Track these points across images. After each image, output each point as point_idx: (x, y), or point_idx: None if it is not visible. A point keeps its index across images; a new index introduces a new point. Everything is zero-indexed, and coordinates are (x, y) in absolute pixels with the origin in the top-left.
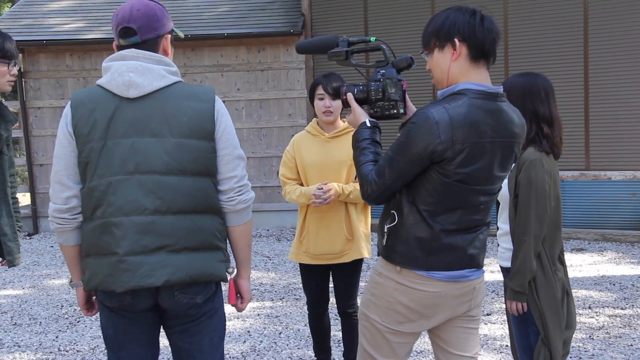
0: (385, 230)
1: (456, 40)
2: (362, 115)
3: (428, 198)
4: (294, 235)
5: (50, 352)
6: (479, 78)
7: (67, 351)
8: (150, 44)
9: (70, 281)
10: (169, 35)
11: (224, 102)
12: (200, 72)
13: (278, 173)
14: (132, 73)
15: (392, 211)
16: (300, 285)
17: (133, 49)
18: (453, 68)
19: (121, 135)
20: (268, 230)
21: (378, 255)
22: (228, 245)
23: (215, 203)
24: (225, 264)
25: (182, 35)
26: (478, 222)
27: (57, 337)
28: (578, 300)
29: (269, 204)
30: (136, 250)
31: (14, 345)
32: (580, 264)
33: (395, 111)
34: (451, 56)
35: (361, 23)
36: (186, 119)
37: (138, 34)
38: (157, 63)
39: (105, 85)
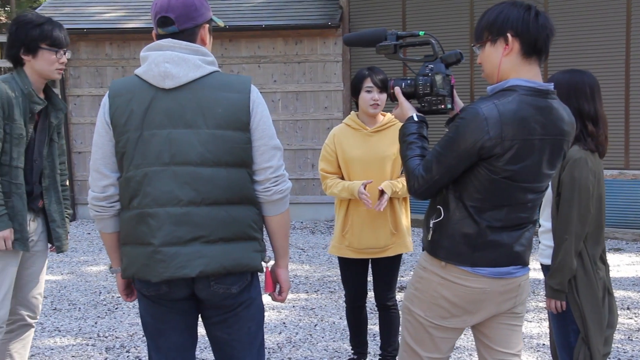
0: (431, 225)
1: (509, 35)
2: (409, 110)
3: (475, 194)
4: (329, 228)
5: (90, 338)
6: (529, 74)
7: (106, 337)
8: (188, 34)
9: (110, 267)
10: (207, 25)
11: (260, 93)
12: (238, 63)
13: (313, 166)
14: (168, 64)
15: (438, 206)
16: (335, 278)
17: (170, 39)
18: (504, 63)
19: (157, 126)
20: (302, 222)
21: (423, 250)
22: (265, 234)
23: (251, 193)
24: (261, 254)
25: (222, 24)
26: (525, 220)
27: (95, 323)
28: (616, 301)
29: (303, 197)
30: (171, 241)
31: (55, 330)
32: (618, 264)
33: (442, 106)
34: (503, 51)
35: (399, 17)
36: (221, 110)
37: (176, 24)
38: (193, 53)
39: (142, 76)
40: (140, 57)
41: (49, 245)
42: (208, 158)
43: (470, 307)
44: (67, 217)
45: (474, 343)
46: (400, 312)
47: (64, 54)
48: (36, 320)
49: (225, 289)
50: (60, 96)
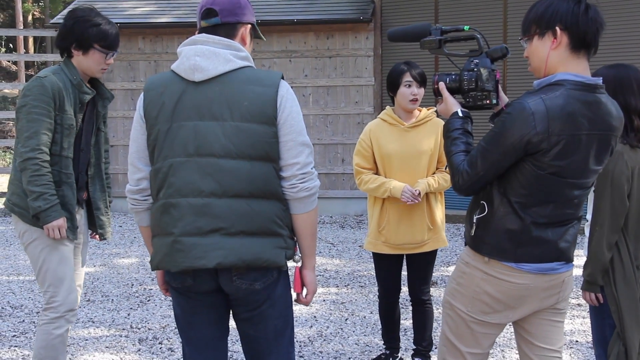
0: (475, 220)
1: (557, 28)
2: (454, 105)
3: (520, 190)
4: (358, 222)
5: (123, 329)
6: (578, 69)
7: (138, 329)
8: (229, 28)
9: (150, 262)
10: (249, 26)
11: (291, 87)
12: (269, 57)
13: (343, 160)
14: (198, 57)
15: (481, 202)
16: (365, 272)
17: (204, 34)
18: (552, 57)
19: (185, 118)
20: (331, 217)
21: (465, 245)
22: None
23: (276, 189)
24: (286, 251)
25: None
26: (570, 216)
27: (128, 315)
28: None
29: (333, 191)
30: (191, 231)
31: (89, 321)
32: None
33: (487, 101)
34: (551, 44)
35: (431, 11)
36: (247, 102)
37: (219, 15)
38: (225, 48)
39: (175, 70)
40: (177, 52)
41: (91, 232)
42: (231, 150)
43: (513, 302)
44: (109, 205)
45: (505, 339)
46: (434, 307)
47: (112, 55)
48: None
49: (248, 284)
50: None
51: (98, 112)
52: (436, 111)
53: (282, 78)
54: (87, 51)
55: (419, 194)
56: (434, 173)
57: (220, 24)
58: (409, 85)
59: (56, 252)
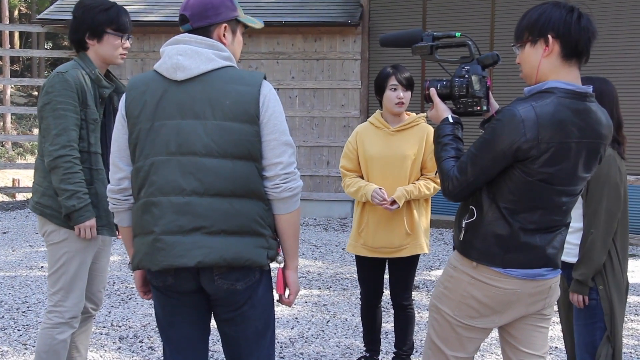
0: (463, 225)
1: (550, 36)
2: (444, 111)
3: (509, 196)
4: (342, 225)
5: (104, 327)
6: (568, 77)
7: (119, 327)
8: (202, 32)
9: (129, 263)
10: (226, 24)
11: (277, 89)
12: (257, 58)
13: (328, 163)
14: (181, 56)
15: (471, 207)
16: (347, 275)
17: (187, 34)
18: (543, 64)
19: (167, 117)
20: (315, 219)
21: (453, 249)
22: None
23: (258, 188)
24: (269, 251)
25: (256, 25)
26: (558, 223)
27: (109, 313)
28: (630, 307)
29: (317, 194)
30: (172, 230)
31: None
32: (632, 270)
33: (478, 108)
34: (543, 52)
35: (419, 17)
36: (229, 101)
37: (190, 22)
38: (208, 47)
39: (157, 69)
40: (160, 52)
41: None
42: (213, 149)
43: (500, 307)
44: None
45: (485, 344)
46: (415, 311)
47: (128, 39)
48: (97, 311)
49: (229, 284)
50: None
51: (114, 107)
52: (426, 116)
53: (265, 78)
54: (101, 38)
55: (393, 201)
56: (418, 179)
57: (192, 30)
58: (395, 89)
59: (78, 258)
